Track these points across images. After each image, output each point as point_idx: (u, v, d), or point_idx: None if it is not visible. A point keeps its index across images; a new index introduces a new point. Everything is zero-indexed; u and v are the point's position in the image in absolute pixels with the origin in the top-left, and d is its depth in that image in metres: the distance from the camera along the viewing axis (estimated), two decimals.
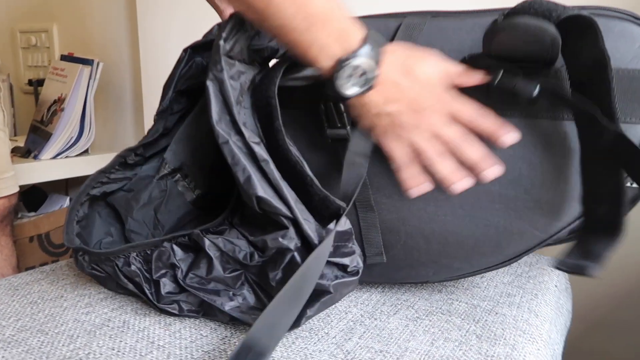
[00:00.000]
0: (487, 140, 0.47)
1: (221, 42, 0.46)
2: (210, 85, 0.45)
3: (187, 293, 0.48)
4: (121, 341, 0.44)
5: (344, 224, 0.46)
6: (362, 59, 0.44)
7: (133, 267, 0.49)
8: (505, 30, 0.43)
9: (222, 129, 0.44)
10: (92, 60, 1.25)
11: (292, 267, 0.43)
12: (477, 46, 0.47)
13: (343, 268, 0.45)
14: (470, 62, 0.47)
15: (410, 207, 0.51)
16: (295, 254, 0.43)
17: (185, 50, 0.59)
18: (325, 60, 0.44)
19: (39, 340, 0.44)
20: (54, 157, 1.25)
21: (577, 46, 0.43)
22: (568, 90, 0.44)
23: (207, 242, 0.46)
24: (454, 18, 0.50)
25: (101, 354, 0.42)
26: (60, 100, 1.26)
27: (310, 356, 0.42)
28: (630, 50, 0.44)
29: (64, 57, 1.33)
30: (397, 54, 0.47)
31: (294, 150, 0.47)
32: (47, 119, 1.28)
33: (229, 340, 0.45)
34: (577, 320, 0.83)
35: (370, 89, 0.45)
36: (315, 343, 0.44)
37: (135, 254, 0.49)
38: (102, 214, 0.61)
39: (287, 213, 0.43)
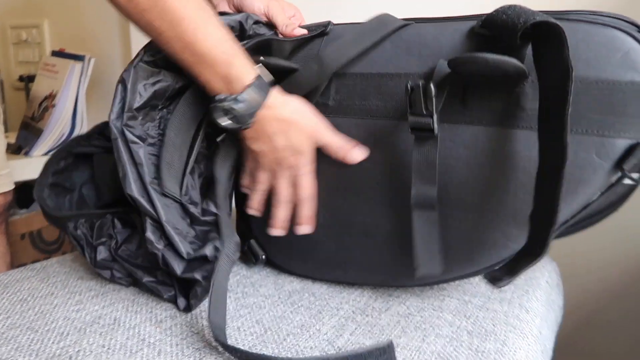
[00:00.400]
0: (465, 145, 0.47)
1: (142, 52, 0.51)
2: (119, 87, 0.50)
3: (118, 262, 0.54)
4: (111, 338, 0.44)
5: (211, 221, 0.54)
6: (241, 103, 0.48)
7: (79, 232, 0.56)
8: (468, 63, 0.43)
9: (115, 126, 0.49)
10: (84, 56, 1.24)
11: (167, 264, 0.49)
12: (454, 51, 0.47)
13: (203, 257, 0.51)
14: (438, 73, 0.46)
15: (387, 213, 0.51)
16: (165, 254, 0.49)
17: (148, 44, 0.59)
18: (209, 91, 0.50)
19: (28, 338, 0.44)
20: (46, 154, 1.24)
21: (546, 53, 0.41)
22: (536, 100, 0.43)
23: (137, 219, 0.53)
24: (434, 24, 0.50)
25: (91, 352, 0.42)
26: (51, 97, 1.25)
27: (302, 353, 0.42)
28: (612, 59, 0.41)
29: (55, 53, 1.32)
30: (286, 110, 0.51)
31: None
32: (38, 115, 1.26)
33: None
34: (569, 317, 0.84)
35: (241, 128, 0.50)
36: (306, 340, 0.44)
37: (83, 220, 0.56)
38: (86, 163, 0.64)
39: (154, 214, 0.49)
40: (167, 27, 0.47)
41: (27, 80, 1.41)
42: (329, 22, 0.56)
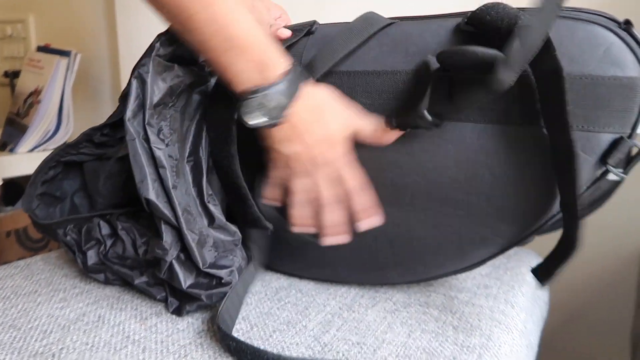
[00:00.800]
0: (453, 142, 0.47)
1: (157, 45, 0.48)
2: (134, 82, 0.47)
3: (108, 266, 0.53)
4: (95, 336, 0.43)
5: (233, 232, 0.50)
6: (276, 94, 0.43)
7: (69, 238, 0.55)
8: (457, 55, 0.43)
9: (133, 126, 0.46)
10: (70, 52, 1.23)
11: (172, 273, 0.47)
12: (441, 47, 0.47)
13: (218, 279, 0.48)
14: (425, 70, 0.46)
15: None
16: (174, 262, 0.47)
17: (159, 36, 0.57)
18: (240, 84, 0.44)
19: (10, 336, 0.43)
20: (31, 150, 1.22)
21: (536, 54, 0.41)
22: (531, 95, 0.43)
23: (119, 226, 0.52)
24: (420, 21, 0.50)
25: (75, 349, 0.41)
26: (36, 92, 1.23)
27: (287, 349, 0.42)
28: (595, 55, 0.42)
29: (40, 48, 1.30)
30: (316, 98, 0.46)
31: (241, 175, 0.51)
32: (23, 112, 1.25)
33: (206, 333, 0.44)
34: (554, 312, 0.85)
35: (275, 124, 0.45)
36: (292, 336, 0.44)
37: (72, 225, 0.55)
38: (76, 170, 0.62)
39: (173, 221, 0.46)
40: (199, 9, 0.42)
41: (12, 75, 1.39)
42: (314, 22, 0.56)
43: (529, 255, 0.67)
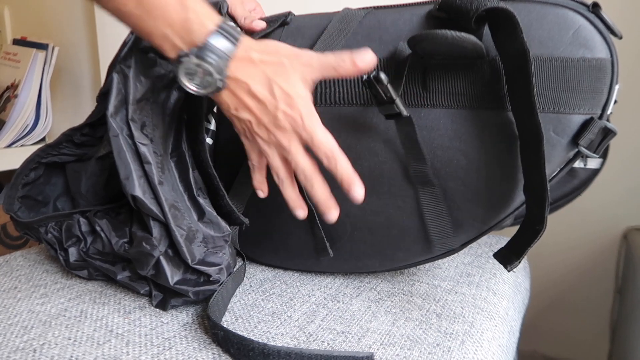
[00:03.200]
0: (428, 128, 0.47)
1: (136, 37, 0.47)
2: (115, 77, 0.46)
3: (90, 263, 0.52)
4: (78, 330, 0.43)
5: (223, 228, 0.49)
6: (207, 56, 0.40)
7: (50, 236, 0.54)
8: (426, 40, 0.43)
9: (115, 122, 0.45)
10: (47, 45, 1.20)
11: (159, 269, 0.46)
12: (413, 34, 0.47)
13: (207, 276, 0.47)
14: (399, 57, 0.47)
15: None
16: (161, 258, 0.46)
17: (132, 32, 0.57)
18: (168, 51, 0.41)
19: None
20: (9, 146, 1.20)
21: (503, 37, 0.42)
22: (503, 79, 0.44)
23: (96, 223, 0.51)
24: (393, 9, 0.50)
25: (56, 344, 0.41)
26: (13, 87, 1.21)
27: (272, 340, 0.42)
28: (564, 38, 0.42)
29: (16, 41, 1.27)
30: (262, 51, 0.42)
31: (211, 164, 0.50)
32: (0, 106, 1.22)
33: (190, 326, 0.44)
34: (535, 298, 0.86)
35: (219, 88, 0.41)
36: (277, 327, 0.44)
37: (53, 223, 0.54)
38: (59, 174, 0.61)
39: (160, 217, 0.45)
40: None
41: None
42: (289, 13, 0.55)
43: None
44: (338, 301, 0.50)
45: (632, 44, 0.77)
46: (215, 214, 0.49)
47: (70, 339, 0.41)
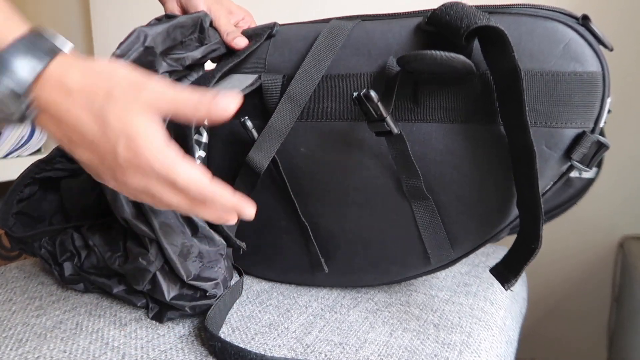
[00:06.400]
0: (420, 142, 0.46)
1: (114, 59, 0.47)
2: None
3: (85, 277, 0.52)
4: (73, 343, 0.43)
5: (218, 242, 0.49)
6: None
7: (43, 251, 0.54)
8: (415, 60, 0.43)
9: None
10: None
11: (155, 284, 0.46)
12: (402, 49, 0.47)
13: (203, 292, 0.47)
14: (389, 73, 0.46)
15: (347, 214, 0.51)
16: (158, 274, 0.46)
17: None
18: None
19: None
20: (5, 157, 1.20)
21: (493, 54, 0.42)
22: (494, 94, 0.43)
23: (89, 237, 0.51)
24: (382, 21, 0.50)
25: (52, 357, 0.40)
26: None
27: (270, 351, 0.42)
28: (555, 51, 0.42)
29: None
30: (88, 86, 0.33)
31: None
32: None
33: (187, 338, 0.44)
34: (533, 308, 0.86)
35: (21, 119, 0.32)
36: (274, 338, 0.44)
37: (47, 238, 0.54)
38: (55, 192, 0.60)
39: (152, 235, 0.45)
40: None
41: None
42: (274, 24, 0.55)
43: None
44: (335, 312, 0.50)
45: (627, 54, 0.78)
46: (208, 228, 0.49)
47: (65, 352, 0.41)
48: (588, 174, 0.58)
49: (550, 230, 0.82)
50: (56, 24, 1.36)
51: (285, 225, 0.55)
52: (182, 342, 0.43)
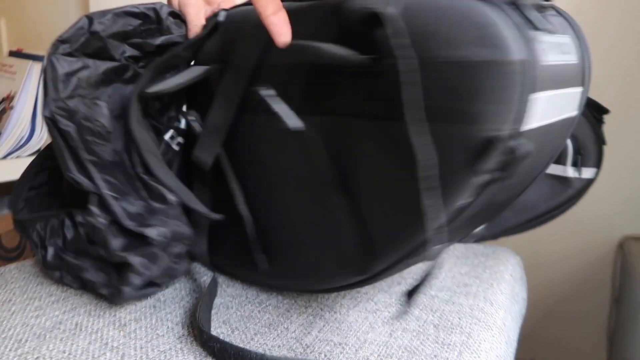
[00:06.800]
0: (333, 138, 0.43)
1: (58, 43, 0.49)
2: (41, 80, 0.50)
3: (64, 261, 0.52)
4: (73, 344, 0.43)
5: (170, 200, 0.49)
6: None
7: (35, 233, 0.55)
8: (302, 52, 0.40)
9: (45, 116, 0.48)
10: (43, 56, 1.20)
11: (106, 244, 0.47)
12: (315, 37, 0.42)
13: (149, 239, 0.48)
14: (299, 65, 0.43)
15: (283, 211, 0.49)
16: (105, 230, 0.47)
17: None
18: None
19: None
20: (4, 158, 1.20)
21: (388, 43, 0.36)
22: (395, 88, 0.36)
23: (77, 215, 0.52)
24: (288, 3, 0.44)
25: (51, 358, 0.40)
26: (9, 98, 1.21)
27: (269, 351, 0.42)
28: (469, 36, 0.34)
29: (12, 53, 1.27)
30: None
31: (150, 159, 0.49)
32: None
33: (186, 338, 0.44)
34: (532, 308, 0.86)
35: None
36: (274, 338, 0.44)
37: (42, 223, 0.55)
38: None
39: (93, 189, 0.47)
40: None
41: None
42: (219, 12, 0.51)
43: (507, 254, 0.68)
44: (335, 312, 0.50)
45: (627, 54, 0.78)
46: (158, 186, 0.49)
47: (65, 353, 0.41)
48: (587, 174, 0.58)
49: (550, 231, 0.82)
50: (56, 24, 1.36)
51: (235, 218, 0.52)
52: (181, 342, 0.43)
